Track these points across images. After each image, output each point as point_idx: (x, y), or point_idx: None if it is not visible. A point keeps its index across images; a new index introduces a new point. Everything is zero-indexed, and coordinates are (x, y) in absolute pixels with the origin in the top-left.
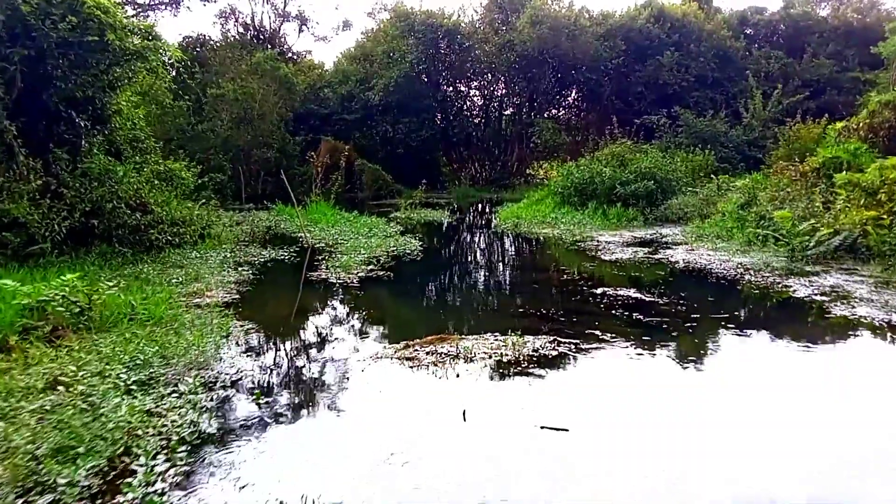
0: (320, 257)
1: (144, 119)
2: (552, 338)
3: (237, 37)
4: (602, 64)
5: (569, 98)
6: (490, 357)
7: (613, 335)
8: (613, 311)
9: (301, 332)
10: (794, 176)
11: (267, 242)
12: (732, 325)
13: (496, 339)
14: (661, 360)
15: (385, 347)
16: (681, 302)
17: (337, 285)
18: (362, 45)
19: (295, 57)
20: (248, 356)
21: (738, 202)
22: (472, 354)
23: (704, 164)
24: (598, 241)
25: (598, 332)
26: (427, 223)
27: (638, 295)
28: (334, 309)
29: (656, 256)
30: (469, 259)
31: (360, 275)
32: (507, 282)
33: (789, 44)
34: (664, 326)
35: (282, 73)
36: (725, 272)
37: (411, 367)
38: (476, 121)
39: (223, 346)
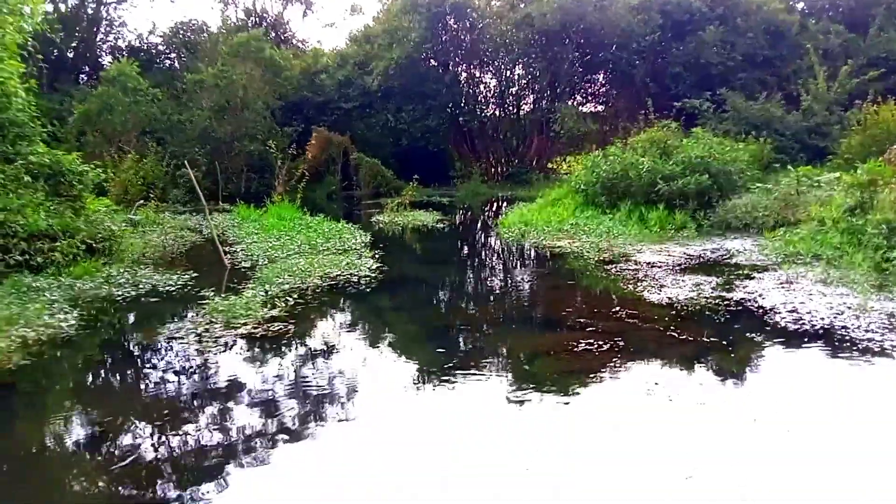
0: (217, 289)
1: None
2: None
3: (237, 23)
4: (634, 41)
5: (596, 81)
6: None
7: None
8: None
9: None
10: None
11: (177, 260)
12: None
13: None
14: None
15: None
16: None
17: (181, 358)
18: (367, 27)
19: (300, 44)
20: None
21: (845, 205)
22: None
23: (760, 154)
24: (636, 261)
25: None
26: (413, 230)
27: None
28: (85, 456)
29: (735, 296)
30: (436, 297)
31: (243, 331)
32: (482, 365)
33: (851, 17)
34: None
35: (267, 55)
36: (879, 341)
37: None
38: (490, 108)
39: None
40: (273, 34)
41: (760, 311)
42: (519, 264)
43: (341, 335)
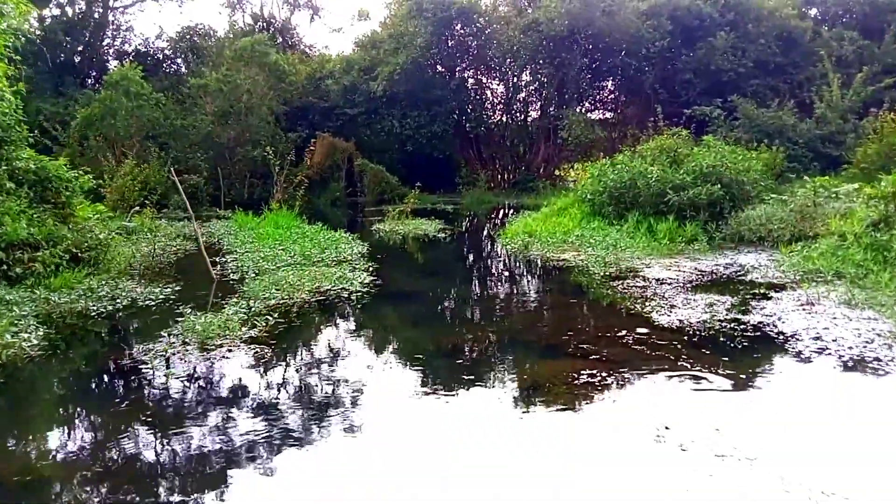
0: (199, 305)
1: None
2: None
3: (244, 28)
4: (643, 47)
5: (604, 88)
6: None
7: None
8: None
9: None
10: None
11: (165, 271)
12: None
13: None
14: None
15: None
16: None
17: (142, 390)
18: (374, 32)
19: (307, 50)
20: None
21: (867, 219)
22: None
23: (772, 162)
24: (644, 276)
25: None
26: (413, 239)
27: None
28: None
29: (751, 319)
30: (429, 316)
31: (216, 354)
32: (466, 401)
33: (865, 24)
34: None
35: (271, 59)
36: None
37: None
38: (497, 115)
39: None
40: (280, 39)
41: (781, 337)
42: (520, 279)
43: (322, 361)
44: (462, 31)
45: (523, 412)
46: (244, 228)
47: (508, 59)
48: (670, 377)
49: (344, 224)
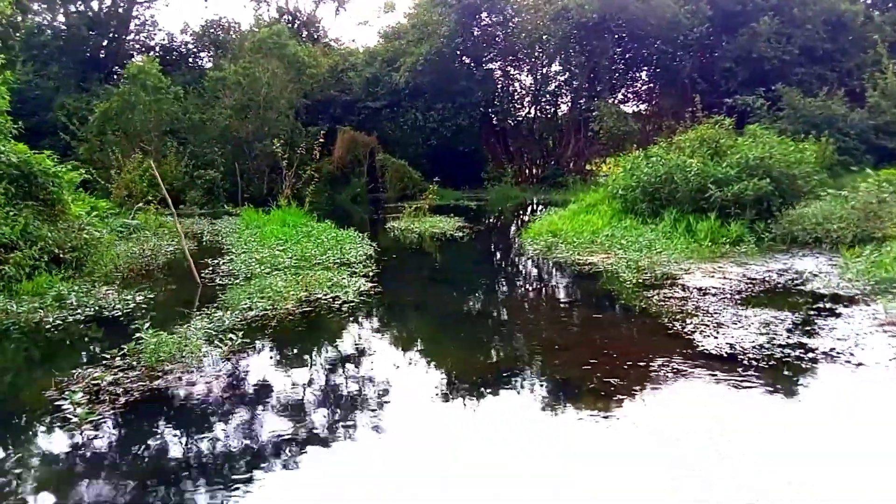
0: (170, 315)
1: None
2: None
3: (268, 21)
4: (681, 34)
5: (638, 78)
6: None
7: None
8: None
9: None
10: None
11: (152, 274)
12: None
13: None
14: None
15: None
16: None
17: (53, 432)
18: (398, 24)
19: (332, 43)
20: None
21: None
22: None
23: (822, 155)
24: (684, 284)
25: None
26: (428, 238)
27: None
28: None
29: (820, 344)
30: (426, 336)
31: (161, 383)
32: (439, 469)
33: None
34: None
35: (290, 51)
36: None
37: None
38: (524, 107)
39: None
40: (305, 33)
41: (861, 371)
42: (539, 289)
43: (280, 396)
44: (488, 20)
45: (524, 497)
46: (250, 226)
47: (537, 49)
48: (725, 432)
49: (362, 221)
